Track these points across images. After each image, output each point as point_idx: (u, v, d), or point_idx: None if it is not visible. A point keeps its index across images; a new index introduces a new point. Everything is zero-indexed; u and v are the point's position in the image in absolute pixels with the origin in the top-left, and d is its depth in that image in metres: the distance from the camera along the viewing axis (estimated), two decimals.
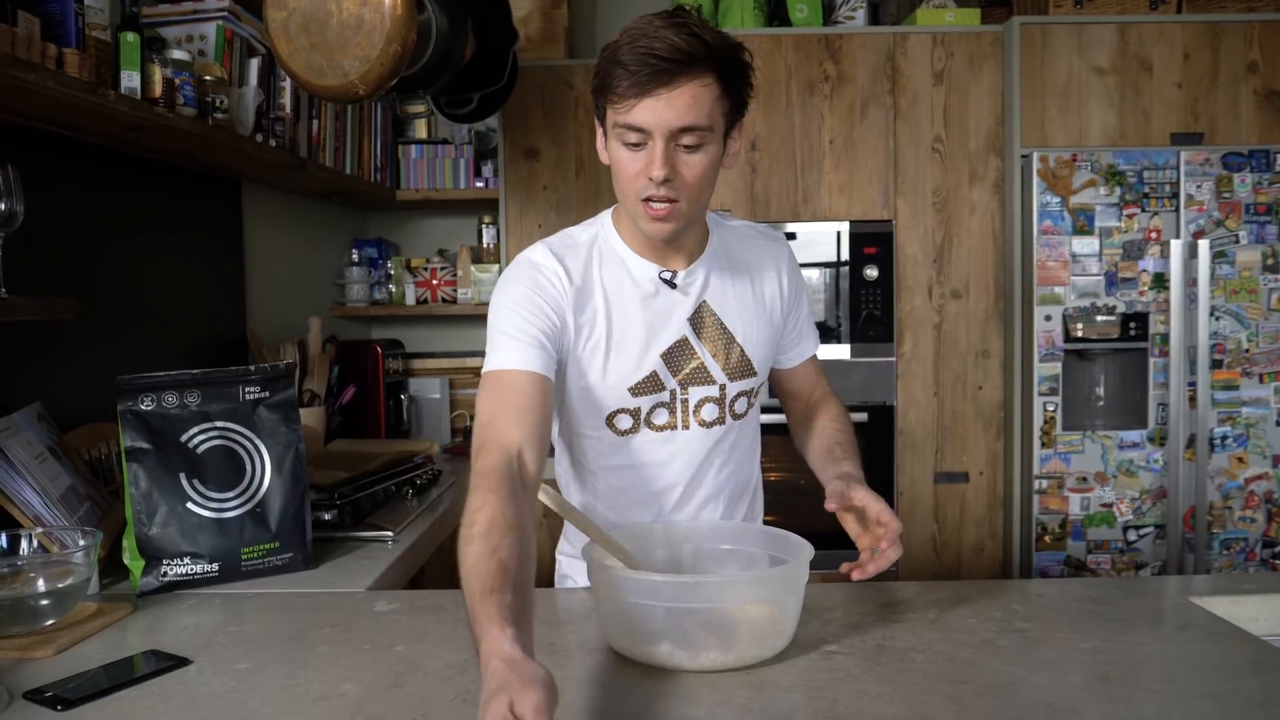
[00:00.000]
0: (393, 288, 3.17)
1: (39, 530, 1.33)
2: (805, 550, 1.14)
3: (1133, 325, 2.75)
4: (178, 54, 1.81)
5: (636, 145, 1.15)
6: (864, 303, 2.81)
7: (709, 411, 1.32)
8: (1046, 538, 2.78)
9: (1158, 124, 2.80)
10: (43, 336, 1.69)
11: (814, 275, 2.85)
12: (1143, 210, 2.73)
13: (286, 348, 2.48)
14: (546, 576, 1.55)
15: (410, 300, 3.13)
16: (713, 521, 1.37)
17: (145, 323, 2.02)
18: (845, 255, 2.82)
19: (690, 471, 1.34)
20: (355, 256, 3.12)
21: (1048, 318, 2.74)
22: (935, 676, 1.04)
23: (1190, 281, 2.70)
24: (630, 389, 1.28)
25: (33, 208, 1.44)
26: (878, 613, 1.26)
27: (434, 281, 3.14)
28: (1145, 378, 2.77)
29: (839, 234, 2.82)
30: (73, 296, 1.53)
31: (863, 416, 2.82)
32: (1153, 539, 2.78)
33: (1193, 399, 2.72)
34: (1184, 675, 1.05)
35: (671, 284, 1.28)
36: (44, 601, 1.20)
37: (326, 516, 1.76)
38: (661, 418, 1.31)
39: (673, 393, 1.30)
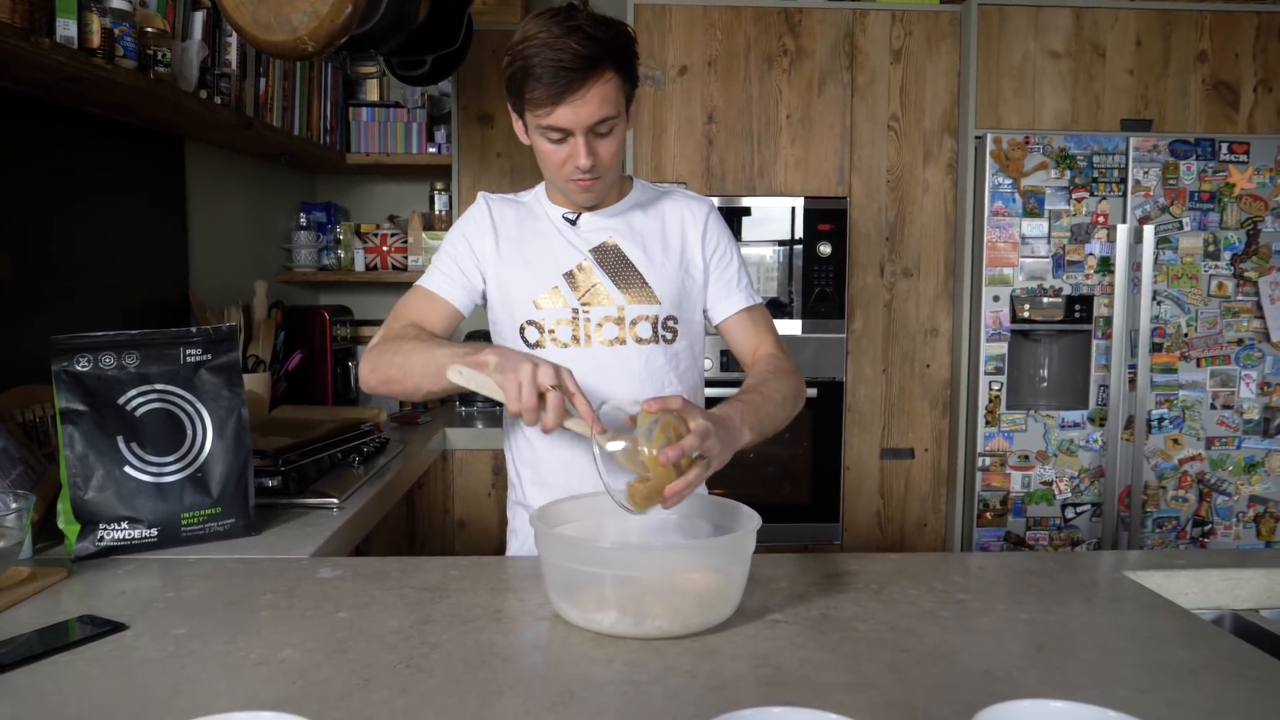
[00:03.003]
0: (341, 253, 3.11)
1: None
2: (753, 520, 1.15)
3: (1078, 308, 2.80)
4: (117, 3, 1.75)
5: (559, 140, 1.33)
6: (816, 279, 2.83)
7: (609, 330, 1.44)
8: (988, 514, 2.84)
9: (1109, 109, 2.84)
10: None
11: (767, 251, 2.86)
12: (1091, 194, 2.78)
13: (230, 311, 2.42)
14: (497, 543, 1.55)
15: (360, 266, 3.08)
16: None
17: (82, 282, 1.95)
18: (799, 232, 2.83)
19: (604, 392, 1.39)
20: (303, 220, 3.05)
21: (996, 298, 2.79)
22: (877, 645, 1.06)
23: (1135, 266, 2.76)
24: (535, 301, 1.44)
25: None
26: (822, 583, 1.27)
27: (384, 248, 3.09)
28: (1088, 359, 2.83)
29: (793, 209, 2.83)
30: (4, 253, 1.47)
31: (813, 392, 2.84)
32: (1089, 517, 2.86)
33: (1133, 381, 2.79)
34: (1116, 646, 1.08)
35: (573, 223, 1.48)
36: None
37: (270, 483, 1.73)
38: (565, 334, 1.44)
39: (575, 310, 1.44)
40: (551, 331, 1.44)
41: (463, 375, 1.23)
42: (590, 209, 1.48)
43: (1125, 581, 1.31)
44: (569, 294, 1.44)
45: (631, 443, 1.15)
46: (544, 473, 1.47)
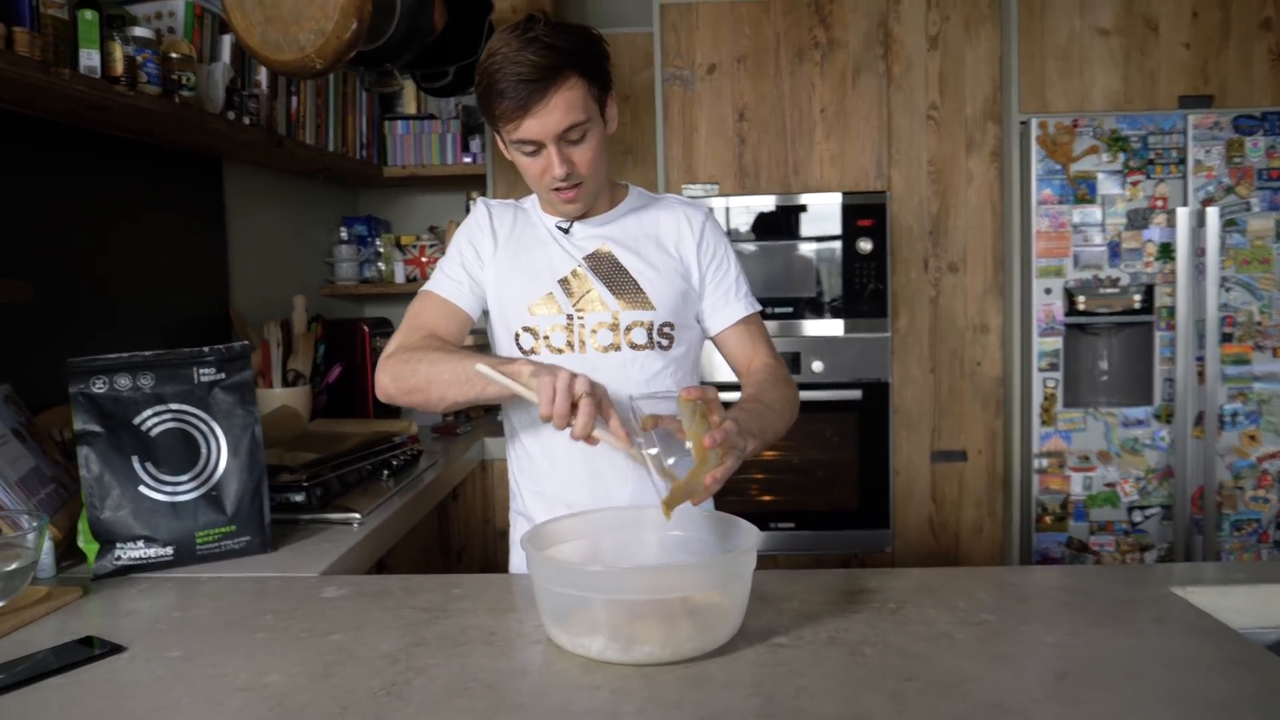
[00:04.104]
0: (382, 265, 3.14)
1: None
2: (751, 537, 1.10)
3: (1138, 298, 2.67)
4: (140, 31, 1.78)
5: (533, 153, 1.33)
6: (857, 277, 2.75)
7: (604, 336, 1.42)
8: (1047, 518, 2.72)
9: (1164, 86, 2.70)
10: (19, 318, 1.68)
11: (806, 250, 2.78)
12: (1148, 177, 2.64)
13: (270, 327, 2.46)
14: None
15: (400, 278, 3.10)
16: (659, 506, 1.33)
17: (125, 303, 2.01)
18: (838, 229, 2.75)
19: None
20: (344, 234, 3.09)
21: (1048, 291, 2.67)
22: (881, 672, 1.00)
23: (1198, 251, 2.62)
24: (530, 308, 1.43)
25: (7, 188, 1.42)
26: (836, 602, 1.22)
27: (423, 259, 3.10)
28: (1151, 352, 2.69)
29: (831, 206, 2.75)
30: (27, 279, 1.51)
31: (856, 394, 2.76)
32: (1159, 520, 2.71)
33: (1201, 374, 2.64)
34: (1149, 674, 0.99)
35: (566, 231, 1.47)
36: None
37: (295, 498, 1.74)
38: (559, 339, 1.42)
39: (570, 316, 1.42)
40: (546, 337, 1.43)
41: (492, 373, 1.22)
42: (580, 218, 1.46)
43: (1171, 599, 1.21)
44: (564, 300, 1.43)
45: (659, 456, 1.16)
46: (541, 481, 1.46)
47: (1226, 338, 2.66)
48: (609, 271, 1.44)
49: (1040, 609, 1.20)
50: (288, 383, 2.47)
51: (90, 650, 1.09)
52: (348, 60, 1.64)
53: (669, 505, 1.13)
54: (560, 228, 1.47)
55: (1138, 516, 2.73)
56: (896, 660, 1.03)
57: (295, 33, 1.57)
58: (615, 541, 1.22)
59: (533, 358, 1.42)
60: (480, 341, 2.62)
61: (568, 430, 1.39)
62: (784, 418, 1.36)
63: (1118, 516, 2.72)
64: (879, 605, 1.20)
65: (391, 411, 2.94)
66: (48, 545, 1.38)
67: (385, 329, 2.95)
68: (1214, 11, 2.67)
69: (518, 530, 1.53)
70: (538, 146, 1.32)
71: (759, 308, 1.52)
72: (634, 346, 1.42)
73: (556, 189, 1.36)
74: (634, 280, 1.43)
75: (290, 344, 2.52)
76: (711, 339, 1.53)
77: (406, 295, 3.20)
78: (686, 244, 1.47)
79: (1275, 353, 2.67)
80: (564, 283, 1.43)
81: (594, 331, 1.42)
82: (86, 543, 1.41)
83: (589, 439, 1.15)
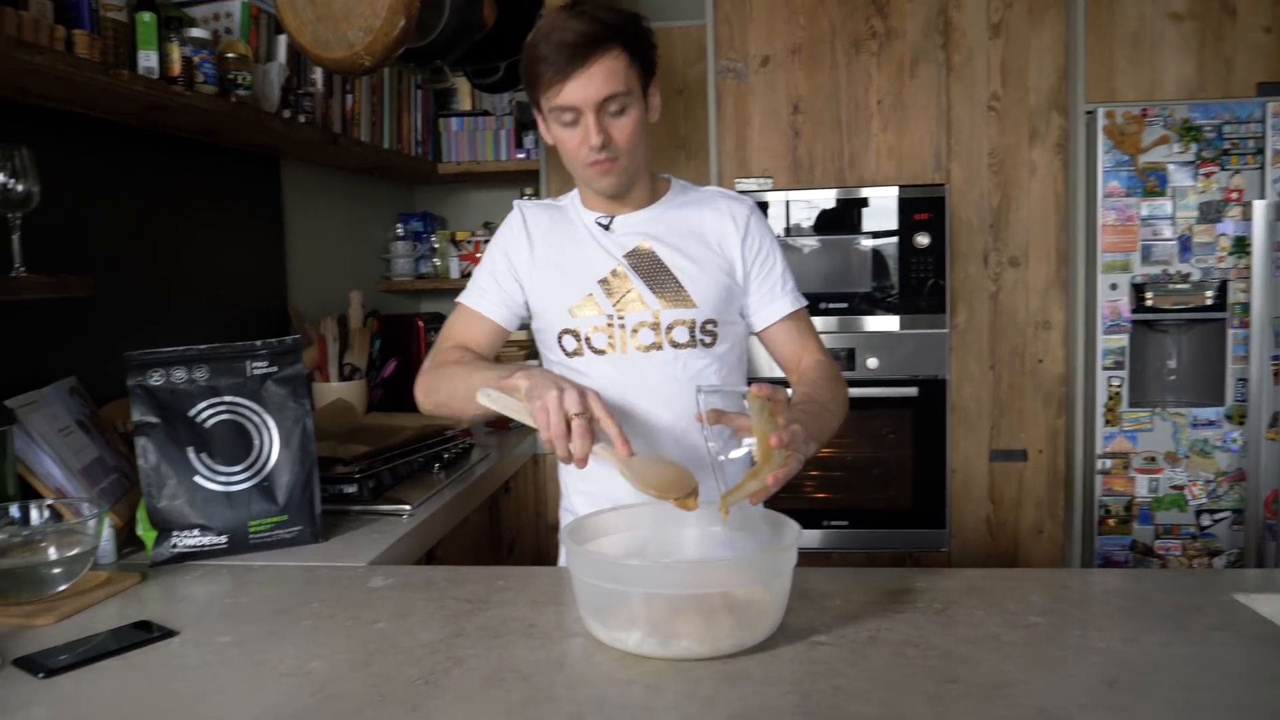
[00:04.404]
0: (437, 261, 3.18)
1: (49, 501, 1.36)
2: (792, 533, 1.08)
3: (1209, 294, 2.57)
4: (197, 32, 1.82)
5: (572, 122, 1.33)
6: (914, 271, 2.70)
7: (645, 336, 1.41)
8: (1110, 520, 2.64)
9: (1241, 73, 2.59)
10: (83, 312, 1.74)
11: (862, 244, 2.74)
12: (1222, 169, 2.54)
13: (326, 323, 2.50)
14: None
15: (454, 274, 3.14)
16: (703, 501, 1.32)
17: (187, 299, 2.06)
18: (895, 223, 2.70)
19: (643, 398, 1.40)
20: (400, 231, 3.13)
21: (1114, 286, 2.58)
22: (922, 674, 0.98)
23: (1276, 246, 2.51)
24: (570, 309, 1.42)
25: (71, 188, 1.47)
26: (880, 601, 1.19)
27: (477, 255, 3.13)
28: (1223, 351, 2.59)
29: (888, 199, 2.70)
30: (92, 276, 1.56)
31: (912, 391, 2.71)
32: (1229, 525, 2.61)
33: (1277, 374, 2.54)
34: (1204, 684, 0.95)
35: (607, 227, 1.45)
36: (52, 570, 1.23)
37: (347, 490, 1.77)
38: (600, 340, 1.42)
39: (610, 317, 1.41)
40: (588, 339, 1.42)
41: (492, 399, 1.24)
42: (618, 199, 1.43)
43: (1235, 607, 1.15)
44: (604, 301, 1.42)
45: (656, 468, 1.17)
46: (589, 480, 1.45)
47: None
48: (650, 269, 1.42)
49: (1094, 613, 1.16)
50: (344, 377, 2.51)
51: (145, 634, 1.12)
52: (396, 57, 1.66)
53: (727, 502, 1.13)
54: (600, 224, 1.46)
55: (1206, 520, 2.63)
56: (939, 662, 1.01)
57: (345, 30, 1.59)
58: (657, 536, 1.22)
59: (576, 360, 1.43)
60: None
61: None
62: (837, 417, 1.35)
63: (1185, 520, 2.63)
64: (924, 605, 1.17)
65: None
66: (108, 532, 1.43)
67: (439, 324, 2.98)
68: None
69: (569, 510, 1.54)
70: (576, 115, 1.31)
71: (805, 303, 1.49)
72: (676, 345, 1.41)
73: (593, 162, 1.34)
74: (675, 278, 1.41)
75: (346, 339, 2.57)
76: (757, 335, 1.50)
77: (461, 291, 3.24)
78: (730, 239, 1.45)
79: None
80: (604, 283, 1.42)
81: (635, 331, 1.41)
82: (145, 530, 1.45)
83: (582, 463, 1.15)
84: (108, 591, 1.29)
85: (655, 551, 1.21)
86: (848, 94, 2.74)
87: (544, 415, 1.14)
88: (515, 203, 1.53)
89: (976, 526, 2.79)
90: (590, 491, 1.45)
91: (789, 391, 1.26)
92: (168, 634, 1.13)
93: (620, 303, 1.41)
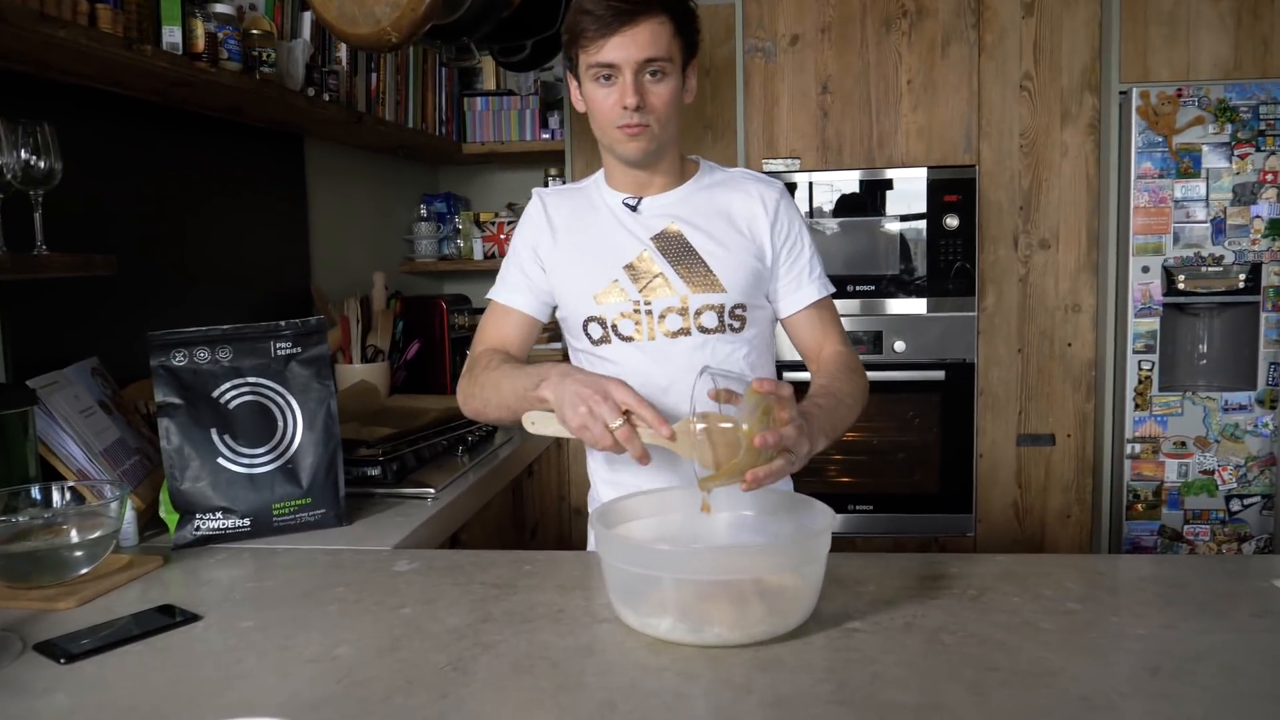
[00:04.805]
0: (461, 243, 3.16)
1: (70, 483, 1.35)
2: (826, 518, 1.06)
3: (1243, 277, 2.52)
4: (221, 8, 1.80)
5: (608, 80, 1.30)
6: (943, 253, 2.65)
7: (673, 321, 1.38)
8: (1139, 505, 2.60)
9: (1279, 53, 2.52)
10: (106, 291, 1.73)
11: (890, 226, 2.70)
12: (1258, 150, 2.48)
13: (349, 303, 2.49)
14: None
15: (478, 255, 3.12)
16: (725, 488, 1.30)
17: (210, 278, 2.05)
18: (924, 205, 2.66)
19: (671, 384, 1.37)
20: (424, 212, 3.12)
21: (1145, 269, 2.53)
22: (960, 661, 0.96)
23: None
24: (596, 297, 1.39)
25: (94, 165, 1.46)
26: (915, 586, 1.17)
27: (501, 236, 3.12)
28: (1256, 334, 2.54)
29: (922, 180, 2.66)
30: (114, 255, 1.55)
31: (940, 374, 2.68)
32: (1259, 510, 2.57)
33: None
34: (1248, 671, 0.93)
35: (634, 208, 1.42)
36: (74, 553, 1.22)
37: (371, 472, 1.76)
38: (627, 328, 1.39)
39: (636, 303, 1.39)
40: (614, 326, 1.39)
41: (537, 425, 1.25)
42: (646, 178, 1.41)
43: (1274, 593, 1.13)
44: (630, 286, 1.39)
45: (730, 421, 1.13)
46: (618, 471, 1.43)
47: None
48: (677, 252, 1.39)
49: (1131, 599, 1.13)
50: (367, 359, 2.50)
51: (168, 618, 1.11)
52: (423, 34, 1.63)
53: (701, 486, 1.13)
54: (627, 204, 1.42)
55: (1236, 505, 2.59)
56: (976, 649, 0.98)
57: (371, 6, 1.57)
58: (686, 520, 1.20)
59: (602, 348, 1.41)
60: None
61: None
62: (854, 411, 1.32)
63: (1214, 505, 2.59)
64: (959, 591, 1.15)
65: None
66: (131, 515, 1.42)
67: (463, 305, 2.98)
68: None
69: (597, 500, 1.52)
70: (614, 73, 1.29)
71: (832, 290, 1.45)
72: (704, 330, 1.38)
73: (625, 124, 1.31)
74: (703, 261, 1.38)
75: (369, 320, 2.56)
76: (780, 320, 1.47)
77: (485, 272, 3.22)
78: (760, 223, 1.41)
79: None
80: (630, 268, 1.39)
81: (662, 317, 1.38)
82: (168, 513, 1.45)
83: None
84: (130, 575, 1.28)
85: (685, 536, 1.19)
86: (877, 73, 2.69)
87: (589, 435, 1.16)
88: (535, 191, 1.50)
89: (1003, 511, 2.76)
90: (617, 481, 1.43)
91: (796, 374, 1.23)
92: (191, 618, 1.12)
93: (647, 288, 1.38)
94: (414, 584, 1.23)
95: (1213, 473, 2.57)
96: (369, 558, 1.36)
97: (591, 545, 1.51)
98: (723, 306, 1.38)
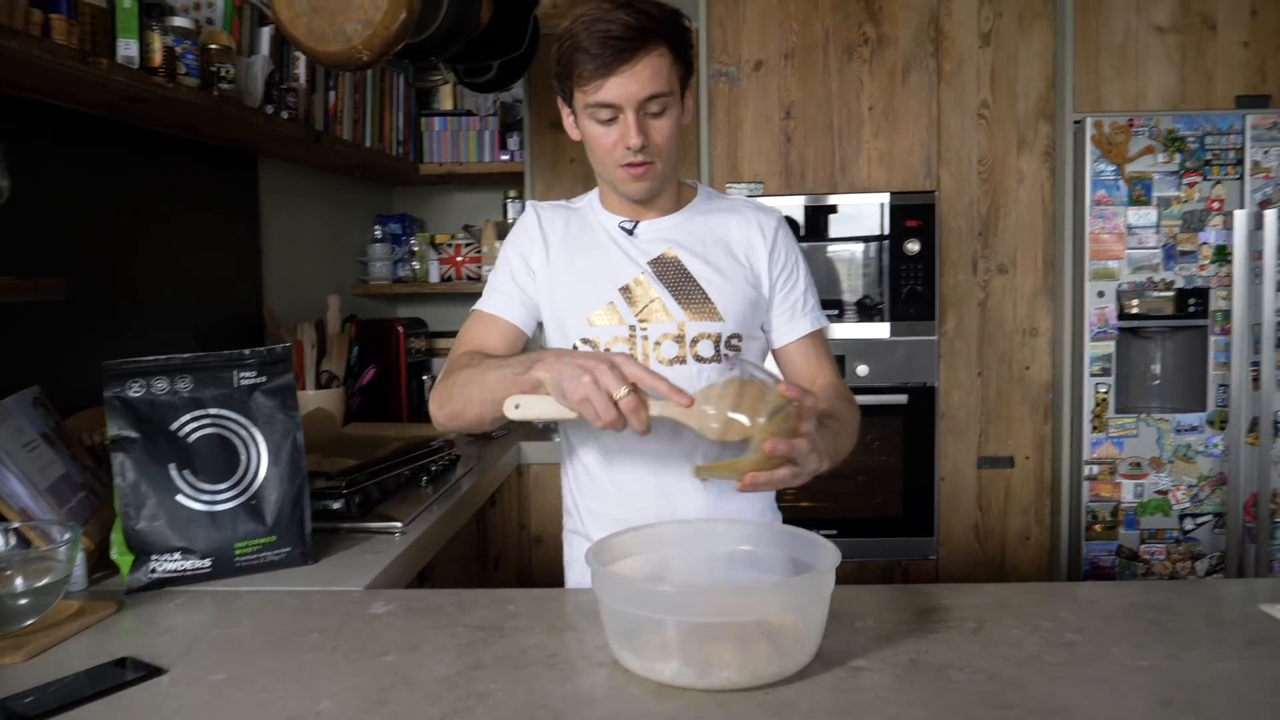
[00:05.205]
0: (416, 265, 3.09)
1: (14, 524, 1.26)
2: (831, 556, 1.03)
3: (1192, 301, 2.58)
4: (180, 21, 1.73)
5: (609, 120, 1.26)
6: (905, 278, 2.67)
7: (669, 349, 1.34)
8: (1097, 526, 2.64)
9: (1222, 86, 2.61)
10: (49, 316, 1.63)
11: (853, 251, 2.71)
12: (1204, 178, 2.55)
13: (304, 327, 2.41)
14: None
15: (434, 278, 3.05)
16: (729, 520, 1.27)
17: (157, 301, 1.96)
18: (886, 229, 2.68)
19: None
20: (378, 233, 3.04)
21: (1101, 294, 2.58)
22: (974, 699, 0.93)
23: (1255, 255, 2.53)
24: (590, 318, 1.35)
25: (40, 182, 1.38)
26: (912, 620, 1.15)
27: (458, 258, 3.05)
28: (1205, 357, 2.60)
29: (879, 206, 2.68)
30: (62, 276, 1.46)
31: (902, 398, 2.69)
32: (1211, 528, 2.63)
33: (1256, 379, 2.55)
34: (1260, 701, 0.92)
35: (631, 232, 1.38)
36: (19, 602, 1.13)
37: (334, 506, 1.69)
38: (621, 352, 1.35)
39: (632, 328, 1.34)
40: (607, 349, 1.35)
41: (521, 409, 1.15)
42: (643, 204, 1.37)
43: (1261, 618, 1.14)
44: (625, 310, 1.35)
45: (719, 400, 1.09)
46: (604, 503, 1.38)
47: None
48: (675, 278, 1.35)
49: (1127, 629, 1.13)
50: (321, 385, 2.42)
51: (129, 673, 1.03)
52: (395, 53, 1.58)
53: (701, 474, 1.11)
54: (624, 228, 1.39)
55: (1189, 525, 2.64)
56: (988, 686, 0.96)
57: (342, 23, 1.52)
58: (681, 556, 1.16)
59: None
60: None
61: (635, 449, 1.34)
62: (852, 440, 1.30)
63: (1169, 525, 2.64)
64: (958, 624, 1.13)
65: (425, 414, 2.89)
66: (80, 557, 1.33)
67: (419, 329, 2.90)
68: (1273, 9, 2.58)
69: (574, 550, 1.46)
70: (614, 114, 1.24)
71: (826, 323, 1.44)
72: (700, 360, 1.35)
73: (628, 164, 1.28)
74: (701, 289, 1.35)
75: (324, 344, 2.48)
76: (773, 351, 1.45)
77: (441, 295, 3.16)
78: (758, 251, 1.39)
79: None
80: (625, 290, 1.35)
81: (657, 344, 1.34)
82: (120, 554, 1.35)
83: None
84: (81, 624, 1.19)
85: (679, 574, 1.15)
86: (840, 100, 2.71)
87: (590, 408, 1.07)
88: (529, 203, 1.46)
89: (965, 534, 2.77)
90: (607, 514, 1.38)
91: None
92: (155, 671, 1.03)
93: (643, 312, 1.35)
94: (393, 628, 1.17)
95: (1167, 493, 2.62)
96: (341, 599, 1.29)
97: (573, 582, 1.46)
98: (719, 336, 1.35)
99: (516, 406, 1.16)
